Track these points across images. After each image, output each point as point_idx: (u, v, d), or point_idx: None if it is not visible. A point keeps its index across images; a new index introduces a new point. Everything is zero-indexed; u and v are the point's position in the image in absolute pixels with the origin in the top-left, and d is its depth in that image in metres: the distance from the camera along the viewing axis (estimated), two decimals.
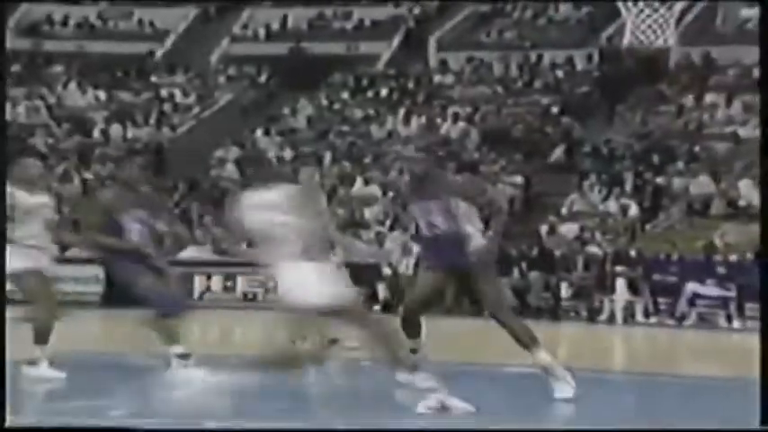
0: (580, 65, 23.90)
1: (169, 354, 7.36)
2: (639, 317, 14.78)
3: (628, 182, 18.48)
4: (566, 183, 19.34)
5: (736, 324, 14.17)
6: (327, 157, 21.63)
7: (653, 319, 14.71)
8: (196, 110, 24.88)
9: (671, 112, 20.27)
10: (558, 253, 16.29)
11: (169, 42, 27.85)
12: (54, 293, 7.47)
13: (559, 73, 23.81)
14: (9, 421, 5.06)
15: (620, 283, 14.89)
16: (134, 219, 7.52)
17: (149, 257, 7.48)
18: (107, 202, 7.66)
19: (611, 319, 14.85)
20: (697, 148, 19.05)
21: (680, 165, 18.65)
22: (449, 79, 24.73)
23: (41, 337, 7.19)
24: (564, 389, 6.27)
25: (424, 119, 22.79)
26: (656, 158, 18.87)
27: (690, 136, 19.57)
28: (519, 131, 21.69)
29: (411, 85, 24.69)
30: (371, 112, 23.62)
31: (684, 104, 20.38)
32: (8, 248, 7.12)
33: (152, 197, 8.05)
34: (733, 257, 14.93)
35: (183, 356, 7.31)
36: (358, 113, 23.67)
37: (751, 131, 18.99)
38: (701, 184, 17.79)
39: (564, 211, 18.48)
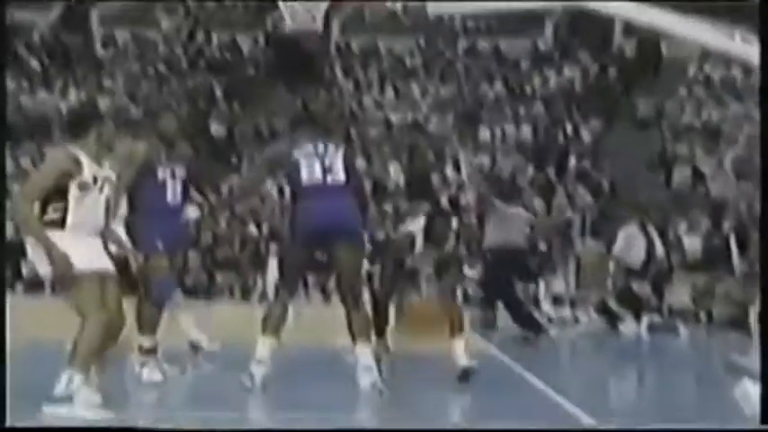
0: (246, 48, 24.04)
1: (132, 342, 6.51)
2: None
3: None
4: (226, 162, 19.43)
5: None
6: None
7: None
8: None
9: (329, 95, 20.95)
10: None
11: None
12: (117, 306, 5.36)
13: (226, 54, 23.82)
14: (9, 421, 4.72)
15: (273, 262, 15.17)
16: (170, 174, 6.74)
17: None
18: (143, 154, 6.65)
19: (264, 296, 15.09)
20: (353, 132, 19.84)
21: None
22: (110, 53, 24.02)
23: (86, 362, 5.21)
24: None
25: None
26: None
27: (346, 119, 20.34)
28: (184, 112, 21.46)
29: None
30: None
31: (343, 88, 21.15)
32: (60, 236, 5.15)
33: (188, 153, 7.09)
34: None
35: (149, 351, 6.63)
36: None
37: (401, 117, 20.17)
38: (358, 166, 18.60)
39: (224, 189, 18.54)
